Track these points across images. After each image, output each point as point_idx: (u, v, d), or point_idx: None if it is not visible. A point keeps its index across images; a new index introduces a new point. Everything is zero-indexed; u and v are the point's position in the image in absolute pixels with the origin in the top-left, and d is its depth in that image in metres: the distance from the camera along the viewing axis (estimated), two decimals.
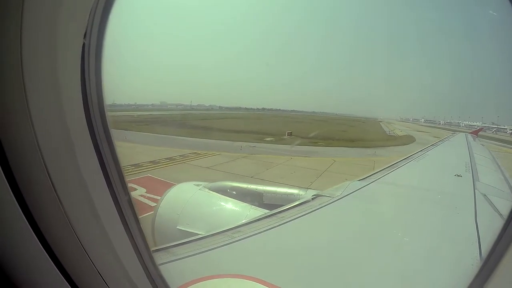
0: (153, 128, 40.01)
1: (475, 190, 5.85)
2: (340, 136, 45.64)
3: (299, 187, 5.94)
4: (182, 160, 22.79)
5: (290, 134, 42.42)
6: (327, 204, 4.47)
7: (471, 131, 34.41)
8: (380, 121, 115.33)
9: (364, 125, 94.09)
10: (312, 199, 4.73)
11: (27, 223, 1.07)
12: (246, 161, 24.25)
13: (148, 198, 12.16)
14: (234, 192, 5.29)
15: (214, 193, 5.09)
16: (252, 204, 4.79)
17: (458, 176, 7.05)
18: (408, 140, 45.64)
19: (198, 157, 24.46)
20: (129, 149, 23.16)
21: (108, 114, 1.25)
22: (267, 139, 37.48)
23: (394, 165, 8.12)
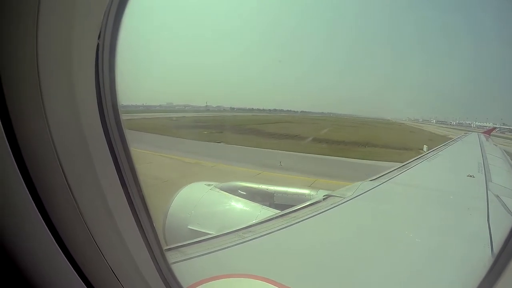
0: (234, 138, 30.92)
1: (488, 191, 5.75)
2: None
3: (310, 188, 5.91)
4: None
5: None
6: (339, 205, 4.44)
7: (483, 131, 33.49)
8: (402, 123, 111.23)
9: (405, 128, 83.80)
10: (324, 199, 4.70)
11: (43, 221, 1.09)
12: None
13: None
14: (245, 192, 5.30)
15: (225, 193, 5.10)
16: (263, 204, 4.79)
17: (470, 176, 6.94)
18: None
19: None
20: None
21: (122, 114, 1.27)
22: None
23: (406, 165, 8.02)
